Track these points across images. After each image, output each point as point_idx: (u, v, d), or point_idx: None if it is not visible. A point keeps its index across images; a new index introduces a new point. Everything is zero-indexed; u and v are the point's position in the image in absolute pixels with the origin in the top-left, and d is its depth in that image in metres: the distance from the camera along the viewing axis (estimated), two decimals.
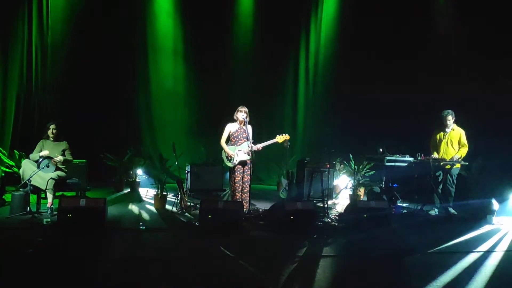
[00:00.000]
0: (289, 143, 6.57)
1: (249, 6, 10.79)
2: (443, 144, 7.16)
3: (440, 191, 7.10)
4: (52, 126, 6.25)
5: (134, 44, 10.09)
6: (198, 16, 10.40)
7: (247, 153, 6.25)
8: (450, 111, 7.12)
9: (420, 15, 9.50)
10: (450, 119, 7.07)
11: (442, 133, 7.20)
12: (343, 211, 6.73)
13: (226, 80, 10.43)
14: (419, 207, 7.17)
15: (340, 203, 8.07)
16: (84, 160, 7.52)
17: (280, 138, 6.40)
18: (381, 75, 9.52)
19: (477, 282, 3.84)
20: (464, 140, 7.03)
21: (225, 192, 8.00)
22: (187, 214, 6.49)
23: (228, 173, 6.83)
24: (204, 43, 10.39)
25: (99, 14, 9.38)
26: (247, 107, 6.41)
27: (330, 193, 7.87)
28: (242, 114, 6.33)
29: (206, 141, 9.26)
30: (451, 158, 6.97)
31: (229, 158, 6.34)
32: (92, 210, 5.33)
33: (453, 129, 7.10)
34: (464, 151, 7.01)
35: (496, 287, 3.84)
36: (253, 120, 6.53)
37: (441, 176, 7.13)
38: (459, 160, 6.95)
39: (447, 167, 7.00)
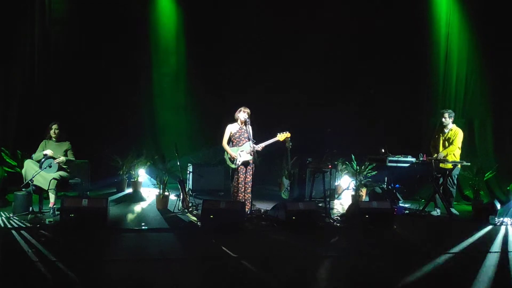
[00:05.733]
0: (291, 143, 6.56)
1: (251, 5, 10.75)
2: (441, 143, 7.15)
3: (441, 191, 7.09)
4: (54, 126, 6.28)
5: (137, 42, 10.07)
6: (200, 17, 10.39)
7: (249, 153, 6.24)
8: (448, 110, 7.12)
9: (420, 14, 9.49)
10: (446, 117, 7.04)
11: (441, 134, 7.19)
12: (345, 211, 6.73)
13: (226, 80, 10.42)
14: (421, 208, 7.16)
15: (342, 203, 8.07)
16: (86, 160, 7.54)
17: (281, 136, 6.36)
18: (381, 75, 9.51)
19: (479, 283, 3.83)
20: (457, 140, 6.95)
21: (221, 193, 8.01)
22: (189, 214, 6.50)
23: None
24: (205, 44, 10.37)
25: (103, 14, 9.38)
26: (249, 107, 6.41)
27: (332, 193, 7.86)
28: (244, 114, 6.31)
29: (208, 142, 9.27)
30: (436, 156, 6.95)
31: (232, 159, 6.33)
32: (94, 210, 5.34)
33: (451, 129, 7.08)
34: (451, 149, 6.93)
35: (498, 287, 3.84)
36: (254, 120, 6.51)
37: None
38: (445, 158, 6.91)
39: (447, 166, 6.98)
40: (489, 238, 5.48)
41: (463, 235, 5.53)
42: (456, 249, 4.95)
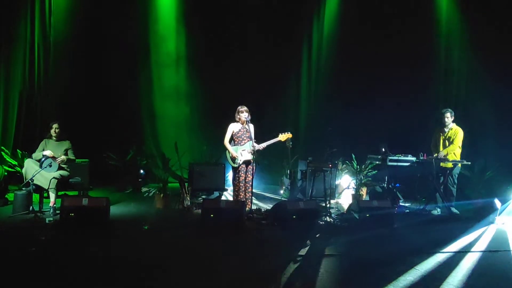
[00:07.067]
0: (291, 142, 6.57)
1: (251, 6, 10.78)
2: (441, 143, 7.14)
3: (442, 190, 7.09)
4: (54, 126, 6.27)
5: (136, 44, 10.09)
6: (201, 15, 10.40)
7: (251, 152, 6.24)
8: (449, 109, 7.10)
9: (419, 14, 9.51)
10: (449, 117, 7.02)
11: (441, 133, 7.18)
12: (345, 210, 6.73)
13: (228, 79, 10.43)
14: (421, 207, 7.16)
15: (343, 202, 8.06)
16: (87, 160, 7.54)
17: (283, 137, 6.39)
18: (382, 74, 9.51)
19: (480, 282, 3.82)
20: (457, 139, 6.93)
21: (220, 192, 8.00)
22: (189, 213, 6.49)
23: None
24: (206, 43, 10.39)
25: (102, 14, 9.38)
26: (247, 106, 6.42)
27: (332, 192, 7.86)
28: (244, 114, 6.33)
29: (208, 140, 9.29)
30: (437, 155, 6.95)
31: (233, 158, 6.33)
32: (94, 209, 5.34)
33: (452, 128, 7.06)
34: (452, 148, 6.93)
35: (499, 287, 3.83)
36: (255, 119, 6.52)
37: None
38: (445, 157, 6.91)
39: (448, 165, 6.97)
40: (490, 237, 5.47)
41: (464, 234, 5.53)
42: (458, 248, 4.94)
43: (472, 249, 4.91)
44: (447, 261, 4.41)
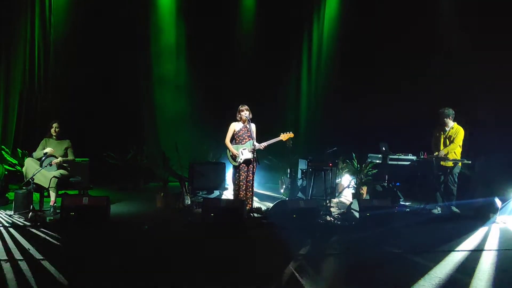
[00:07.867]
0: (291, 142, 6.57)
1: (252, 4, 10.79)
2: (442, 142, 7.13)
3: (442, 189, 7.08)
4: (55, 125, 6.28)
5: (136, 42, 10.09)
6: (201, 13, 10.41)
7: (252, 151, 6.25)
8: (447, 108, 7.06)
9: (419, 14, 9.51)
10: (447, 117, 7.01)
11: (442, 132, 7.16)
12: (345, 209, 6.72)
13: (229, 79, 10.44)
14: (422, 206, 7.15)
15: (343, 201, 8.06)
16: (87, 159, 7.54)
17: (284, 136, 6.39)
18: (382, 74, 9.51)
19: (480, 281, 3.82)
20: (458, 137, 6.91)
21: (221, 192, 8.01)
22: (189, 212, 6.49)
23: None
24: (206, 42, 10.40)
25: (101, 12, 9.39)
26: (248, 105, 6.41)
27: (332, 191, 7.86)
28: (244, 113, 6.34)
29: (209, 140, 9.29)
30: (437, 154, 6.94)
31: (234, 157, 6.34)
32: (94, 208, 5.35)
33: (453, 127, 7.04)
34: (452, 147, 6.90)
35: (499, 286, 3.83)
36: (256, 118, 6.52)
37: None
38: (446, 156, 6.89)
39: (448, 164, 6.96)
40: (497, 236, 5.47)
41: (468, 234, 5.52)
42: (459, 247, 4.94)
43: (472, 248, 4.89)
44: (447, 260, 4.39)
